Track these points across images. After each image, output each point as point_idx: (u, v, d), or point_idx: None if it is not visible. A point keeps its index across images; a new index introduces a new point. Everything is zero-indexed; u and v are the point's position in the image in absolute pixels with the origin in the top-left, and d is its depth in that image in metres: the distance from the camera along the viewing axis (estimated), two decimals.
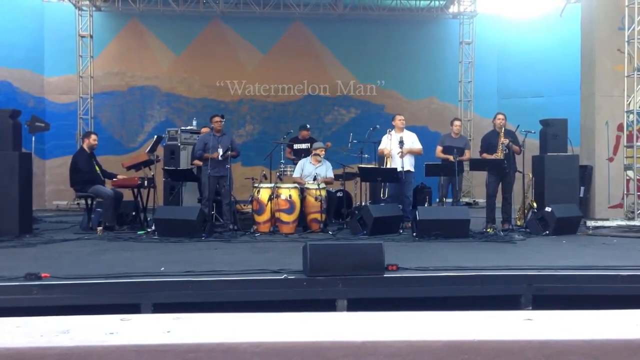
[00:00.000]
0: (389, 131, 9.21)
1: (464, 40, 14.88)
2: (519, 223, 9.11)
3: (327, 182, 9.20)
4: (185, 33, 14.65)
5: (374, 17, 14.61)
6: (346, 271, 5.27)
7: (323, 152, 9.34)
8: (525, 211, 9.19)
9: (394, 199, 8.99)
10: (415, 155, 9.15)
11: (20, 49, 13.50)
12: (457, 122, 9.93)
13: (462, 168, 9.33)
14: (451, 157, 8.88)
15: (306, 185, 8.77)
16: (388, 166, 8.97)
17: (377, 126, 9.77)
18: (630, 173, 9.60)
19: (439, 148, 9.54)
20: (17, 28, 13.45)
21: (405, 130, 9.22)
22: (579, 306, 2.47)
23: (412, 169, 9.09)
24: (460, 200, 10.72)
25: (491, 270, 5.66)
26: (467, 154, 9.57)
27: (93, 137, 9.15)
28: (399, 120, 9.24)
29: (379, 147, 9.25)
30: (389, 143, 9.08)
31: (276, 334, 1.91)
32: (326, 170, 9.34)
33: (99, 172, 8.98)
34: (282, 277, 5.28)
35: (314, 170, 9.21)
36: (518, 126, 9.01)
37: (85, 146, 9.03)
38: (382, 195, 8.96)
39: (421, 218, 7.90)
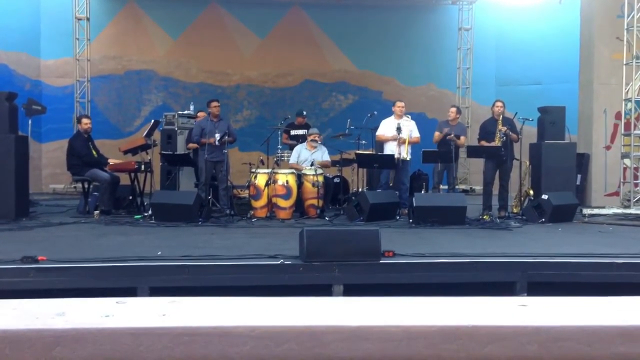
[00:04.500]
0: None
1: (463, 26, 14.81)
2: (515, 210, 9.14)
3: (324, 166, 9.22)
4: (182, 17, 14.55)
5: (372, 2, 14.53)
6: (343, 257, 5.28)
7: (315, 137, 9.33)
8: (522, 199, 9.21)
9: (389, 185, 9.01)
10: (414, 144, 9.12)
11: (17, 32, 13.40)
12: (452, 109, 9.73)
13: (457, 155, 9.33)
14: (450, 136, 9.03)
15: (303, 172, 8.77)
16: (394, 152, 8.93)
17: (375, 112, 9.74)
18: (627, 161, 9.61)
19: (437, 134, 9.51)
20: (14, 10, 13.34)
21: (404, 116, 9.17)
22: (573, 293, 2.48)
23: (409, 157, 9.08)
24: (457, 187, 10.71)
25: (487, 257, 5.69)
26: (462, 140, 9.53)
27: (84, 121, 9.12)
28: (398, 107, 9.19)
29: (380, 133, 9.19)
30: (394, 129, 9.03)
31: (272, 318, 1.92)
32: (322, 154, 9.35)
33: (96, 155, 8.96)
34: (279, 262, 5.29)
35: (310, 156, 9.23)
36: (516, 113, 9.00)
37: (81, 130, 9.01)
38: (390, 182, 8.96)
39: (418, 205, 7.91)
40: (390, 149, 9.02)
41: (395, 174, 9.05)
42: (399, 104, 9.24)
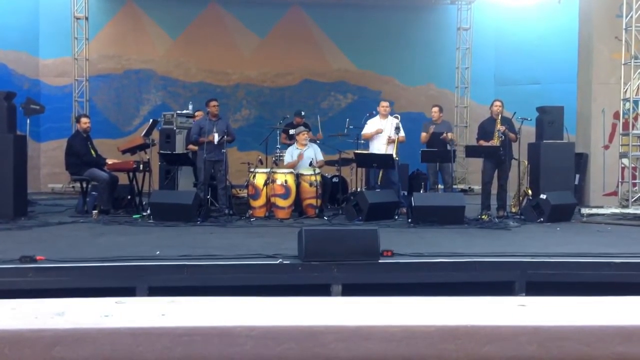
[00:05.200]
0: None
1: (462, 26, 14.80)
2: (514, 210, 9.15)
3: (318, 165, 9.23)
4: (181, 16, 14.53)
5: (372, 2, 14.52)
6: (341, 256, 5.29)
7: (305, 136, 9.33)
8: (521, 198, 9.22)
9: (381, 186, 9.00)
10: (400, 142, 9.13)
11: (15, 31, 13.38)
12: (434, 109, 9.69)
13: (455, 156, 9.32)
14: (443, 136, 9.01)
15: (301, 171, 8.78)
16: (381, 151, 8.95)
17: (374, 112, 9.73)
18: (625, 161, 9.62)
19: (424, 135, 9.47)
20: (12, 9, 13.31)
21: (389, 116, 9.19)
22: (572, 293, 2.48)
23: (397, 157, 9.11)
24: (455, 186, 10.70)
25: (486, 256, 5.70)
26: (450, 135, 9.51)
27: (83, 120, 9.12)
28: (382, 107, 9.22)
29: (366, 132, 9.20)
30: (381, 128, 9.04)
31: (270, 318, 1.92)
32: (315, 153, 9.35)
33: (94, 155, 8.95)
34: (278, 262, 5.30)
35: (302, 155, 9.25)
36: (514, 113, 9.01)
37: (80, 129, 9.00)
38: (379, 181, 8.97)
39: (417, 204, 7.92)
40: (377, 148, 9.03)
41: (383, 174, 9.03)
42: (383, 104, 9.32)
